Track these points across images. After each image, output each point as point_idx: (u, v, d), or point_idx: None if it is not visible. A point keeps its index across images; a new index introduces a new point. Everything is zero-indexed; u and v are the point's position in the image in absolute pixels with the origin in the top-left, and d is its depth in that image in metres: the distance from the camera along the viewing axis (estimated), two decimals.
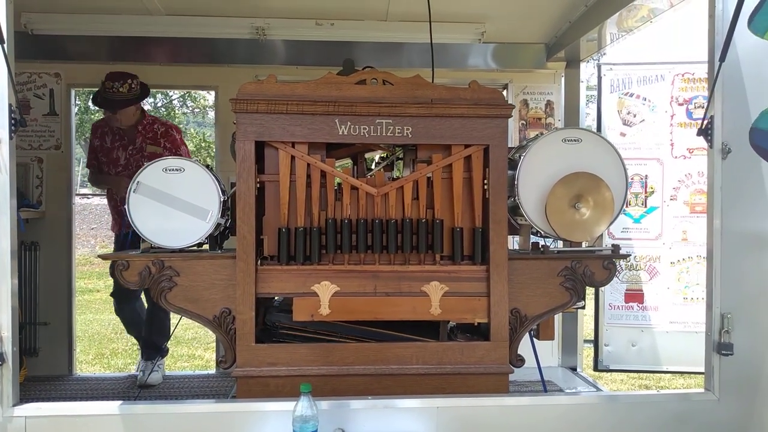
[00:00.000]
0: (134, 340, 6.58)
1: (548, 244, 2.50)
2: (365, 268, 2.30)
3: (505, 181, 2.32)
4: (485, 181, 2.33)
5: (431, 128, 2.28)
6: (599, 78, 4.02)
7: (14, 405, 1.98)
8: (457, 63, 4.03)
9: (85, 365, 5.42)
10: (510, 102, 4.16)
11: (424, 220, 2.32)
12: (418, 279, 2.30)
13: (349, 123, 2.26)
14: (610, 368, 4.03)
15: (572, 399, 2.19)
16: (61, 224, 3.90)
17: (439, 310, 2.29)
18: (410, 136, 2.28)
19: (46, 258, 3.28)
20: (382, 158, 2.74)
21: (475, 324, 2.38)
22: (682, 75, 3.92)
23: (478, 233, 2.33)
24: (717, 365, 2.17)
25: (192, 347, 6.32)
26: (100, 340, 6.63)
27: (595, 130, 3.54)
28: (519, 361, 2.36)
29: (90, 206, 13.96)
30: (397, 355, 2.27)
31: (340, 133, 2.26)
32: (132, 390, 3.54)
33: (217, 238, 2.44)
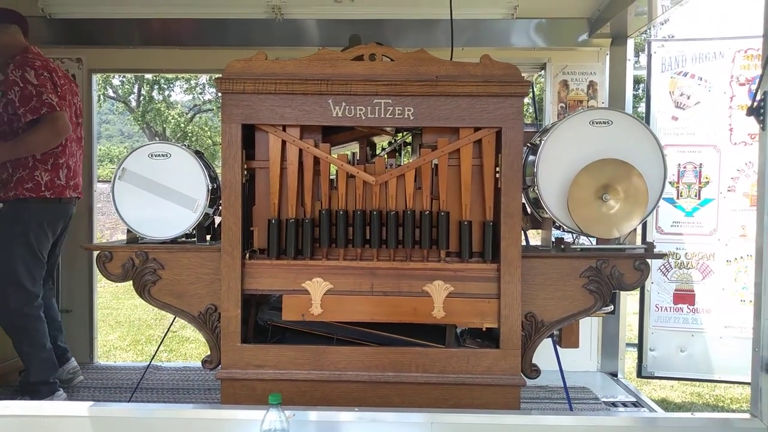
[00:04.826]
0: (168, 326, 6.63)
1: (573, 240, 2.22)
2: (361, 265, 2.09)
3: (520, 168, 2.05)
4: (497, 169, 2.07)
5: (435, 109, 2.04)
6: (649, 56, 3.63)
7: None
8: (489, 41, 3.73)
9: (119, 351, 5.44)
10: (549, 83, 3.87)
11: (427, 212, 2.08)
12: (419, 277, 2.07)
13: (344, 104, 2.04)
14: (655, 375, 3.68)
15: (591, 420, 1.92)
16: (83, 211, 3.85)
17: (443, 313, 2.06)
18: (412, 117, 2.05)
19: (68, 245, 3.23)
20: (390, 143, 2.51)
21: (483, 329, 2.13)
22: (745, 51, 3.49)
23: (488, 227, 2.08)
24: (766, 387, 1.84)
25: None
26: (139, 326, 6.69)
27: (629, 112, 3.18)
28: (533, 372, 2.10)
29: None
30: (393, 361, 2.05)
31: (335, 114, 2.05)
32: (144, 381, 3.44)
33: (208, 229, 2.28)
